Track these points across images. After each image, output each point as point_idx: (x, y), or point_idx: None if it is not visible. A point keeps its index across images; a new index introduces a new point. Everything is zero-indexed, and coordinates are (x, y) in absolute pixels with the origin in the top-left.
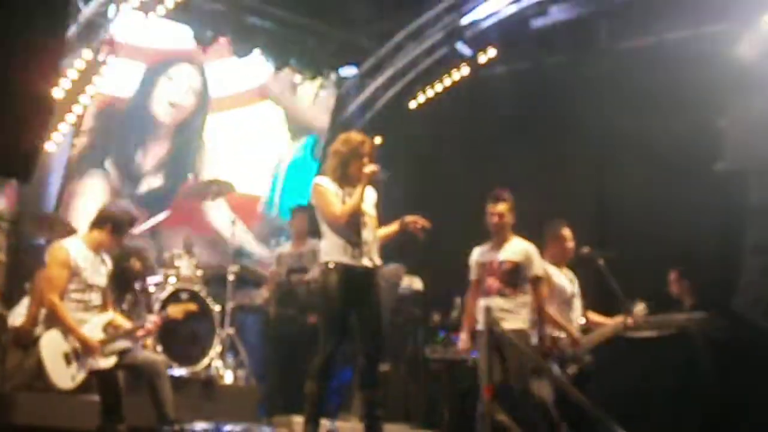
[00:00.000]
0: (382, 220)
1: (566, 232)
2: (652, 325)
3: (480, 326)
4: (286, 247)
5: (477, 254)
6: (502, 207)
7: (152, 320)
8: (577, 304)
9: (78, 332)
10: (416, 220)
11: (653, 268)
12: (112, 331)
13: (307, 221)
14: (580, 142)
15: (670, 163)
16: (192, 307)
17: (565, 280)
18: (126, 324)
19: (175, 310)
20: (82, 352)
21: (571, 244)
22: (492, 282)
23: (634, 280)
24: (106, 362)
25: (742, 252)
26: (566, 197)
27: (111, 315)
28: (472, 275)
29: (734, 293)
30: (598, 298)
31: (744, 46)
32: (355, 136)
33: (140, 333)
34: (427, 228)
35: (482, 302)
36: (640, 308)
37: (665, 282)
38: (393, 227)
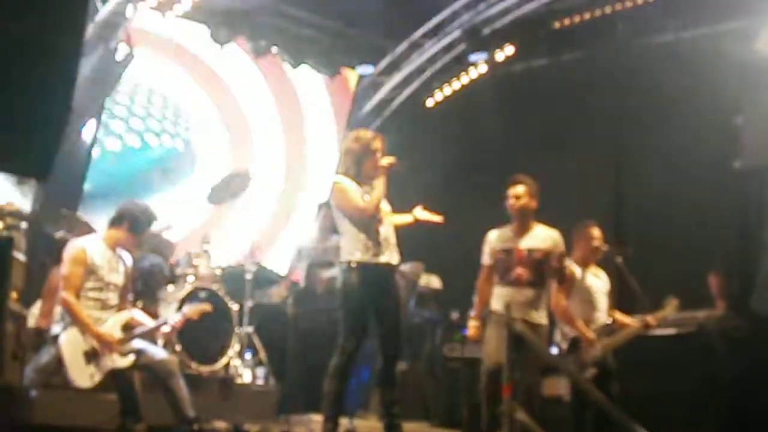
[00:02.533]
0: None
1: (595, 231)
2: (671, 322)
3: (497, 313)
4: (308, 241)
5: (495, 238)
6: (520, 189)
7: (175, 319)
8: (604, 304)
9: (93, 329)
10: (428, 218)
11: (671, 266)
12: (130, 331)
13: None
14: (597, 139)
15: (687, 161)
16: (207, 307)
17: (592, 278)
18: (147, 323)
19: (192, 311)
20: (99, 349)
21: (599, 243)
22: (522, 272)
23: (653, 278)
24: (124, 361)
25: (761, 249)
26: (584, 195)
27: (129, 314)
28: (488, 260)
29: (753, 290)
30: (616, 295)
31: (761, 43)
32: (365, 132)
33: (162, 332)
34: (441, 223)
35: (505, 291)
36: (672, 304)
37: (684, 279)
38: (406, 219)
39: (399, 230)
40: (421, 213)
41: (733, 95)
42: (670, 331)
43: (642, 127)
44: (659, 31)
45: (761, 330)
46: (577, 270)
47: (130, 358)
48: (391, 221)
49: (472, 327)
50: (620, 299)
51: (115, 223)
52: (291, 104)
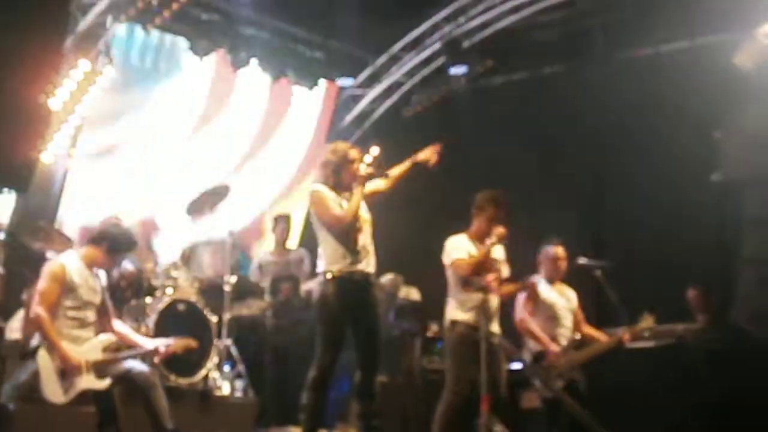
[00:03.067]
0: (380, 226)
1: (559, 251)
2: (650, 335)
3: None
4: (266, 255)
5: (468, 244)
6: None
7: (161, 350)
8: (568, 320)
9: (60, 349)
10: (427, 155)
11: (652, 279)
12: (111, 353)
13: (287, 230)
14: (577, 152)
15: (667, 174)
16: (193, 344)
17: (556, 295)
18: (136, 343)
19: (177, 345)
20: (67, 370)
21: (563, 263)
22: (492, 279)
23: (633, 291)
24: (100, 383)
25: (739, 263)
26: (564, 207)
27: (111, 336)
28: (462, 254)
29: (731, 304)
30: (595, 308)
31: (740, 57)
32: (342, 144)
33: (151, 356)
34: (438, 152)
35: (474, 297)
36: (648, 321)
37: (665, 292)
38: (405, 165)
39: (379, 241)
40: (420, 155)
41: (713, 109)
42: (650, 344)
43: (623, 140)
44: (639, 44)
45: (740, 344)
46: (542, 287)
47: (107, 382)
48: (370, 229)
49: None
50: (599, 312)
51: (94, 242)
52: (270, 116)
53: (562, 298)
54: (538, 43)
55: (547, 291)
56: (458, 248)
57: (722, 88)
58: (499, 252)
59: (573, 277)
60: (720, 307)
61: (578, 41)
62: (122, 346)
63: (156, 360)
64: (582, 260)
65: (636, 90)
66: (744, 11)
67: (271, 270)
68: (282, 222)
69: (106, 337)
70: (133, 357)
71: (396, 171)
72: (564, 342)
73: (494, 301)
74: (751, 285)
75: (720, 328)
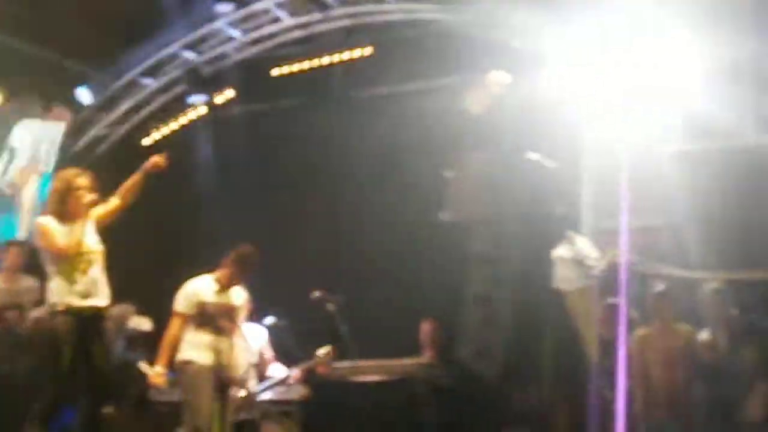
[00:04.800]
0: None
1: None
2: (376, 370)
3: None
4: None
5: (201, 289)
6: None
7: None
8: (243, 359)
9: None
10: (155, 161)
11: (382, 314)
12: None
13: (22, 256)
14: (314, 188)
15: (399, 211)
16: None
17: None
18: None
19: None
20: None
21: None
22: (226, 323)
23: (363, 325)
24: None
25: (465, 300)
26: (301, 241)
27: None
28: (188, 309)
29: (457, 340)
30: (329, 341)
31: (470, 101)
32: (69, 171)
33: None
34: (164, 162)
35: (208, 339)
36: (324, 353)
37: (397, 327)
38: (134, 178)
39: (114, 271)
40: (149, 163)
41: (444, 149)
42: (376, 378)
43: (357, 178)
44: (374, 84)
45: (465, 379)
46: None
47: None
48: (102, 261)
49: (159, 373)
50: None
51: None
52: None
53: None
54: (278, 77)
55: None
56: (185, 299)
57: (454, 129)
58: (238, 297)
59: (308, 310)
60: (445, 343)
61: (317, 78)
62: None
63: None
64: (316, 294)
65: (370, 129)
66: (476, 57)
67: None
68: (13, 247)
69: None
70: None
71: (126, 186)
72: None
73: (227, 342)
74: (477, 323)
75: (445, 364)
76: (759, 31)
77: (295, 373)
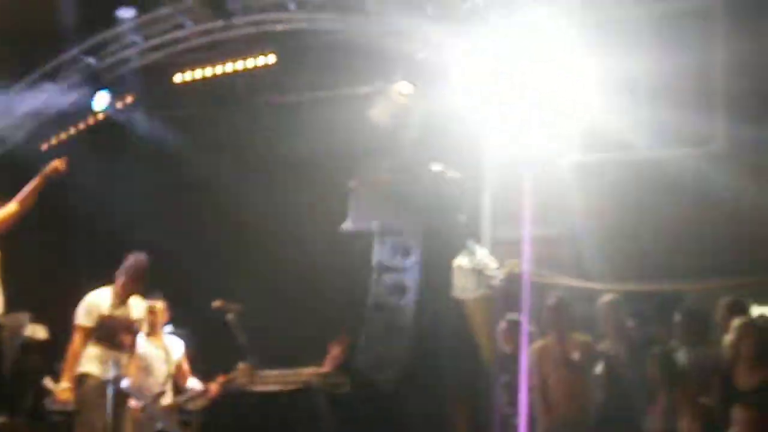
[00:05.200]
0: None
1: (158, 305)
2: (276, 379)
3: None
4: None
5: (101, 303)
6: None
7: None
8: (161, 372)
9: None
10: (55, 166)
11: (285, 324)
12: None
13: None
14: (218, 195)
15: (304, 222)
16: None
17: (152, 348)
18: None
19: None
20: None
21: (161, 316)
22: (126, 337)
23: (269, 336)
24: None
25: (366, 310)
26: (203, 250)
27: None
28: (90, 322)
29: (357, 349)
30: (229, 351)
31: (376, 111)
32: None
33: None
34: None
35: (107, 354)
36: (242, 369)
37: (298, 337)
38: (33, 183)
39: (10, 279)
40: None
41: (349, 159)
42: (275, 388)
43: (260, 187)
44: (280, 91)
45: (362, 388)
46: (139, 340)
47: None
48: None
49: (64, 390)
50: (231, 355)
51: None
52: None
53: (159, 350)
54: (180, 83)
55: (142, 344)
56: (86, 312)
57: (358, 139)
58: (137, 309)
59: (209, 320)
60: (345, 353)
61: (221, 84)
62: None
63: None
64: (217, 303)
65: (275, 137)
66: (382, 68)
67: None
68: None
69: None
70: None
71: (24, 191)
72: (156, 390)
73: (126, 355)
74: (377, 330)
75: (344, 373)
76: (654, 48)
77: (214, 386)
